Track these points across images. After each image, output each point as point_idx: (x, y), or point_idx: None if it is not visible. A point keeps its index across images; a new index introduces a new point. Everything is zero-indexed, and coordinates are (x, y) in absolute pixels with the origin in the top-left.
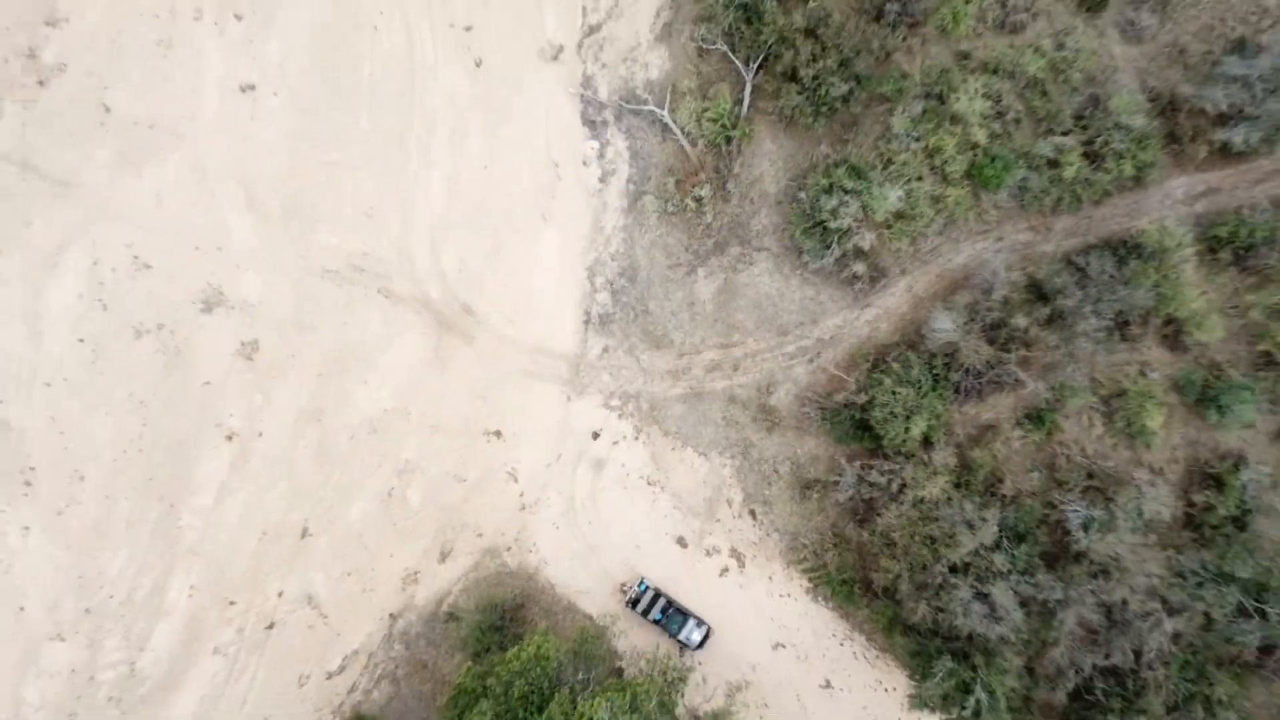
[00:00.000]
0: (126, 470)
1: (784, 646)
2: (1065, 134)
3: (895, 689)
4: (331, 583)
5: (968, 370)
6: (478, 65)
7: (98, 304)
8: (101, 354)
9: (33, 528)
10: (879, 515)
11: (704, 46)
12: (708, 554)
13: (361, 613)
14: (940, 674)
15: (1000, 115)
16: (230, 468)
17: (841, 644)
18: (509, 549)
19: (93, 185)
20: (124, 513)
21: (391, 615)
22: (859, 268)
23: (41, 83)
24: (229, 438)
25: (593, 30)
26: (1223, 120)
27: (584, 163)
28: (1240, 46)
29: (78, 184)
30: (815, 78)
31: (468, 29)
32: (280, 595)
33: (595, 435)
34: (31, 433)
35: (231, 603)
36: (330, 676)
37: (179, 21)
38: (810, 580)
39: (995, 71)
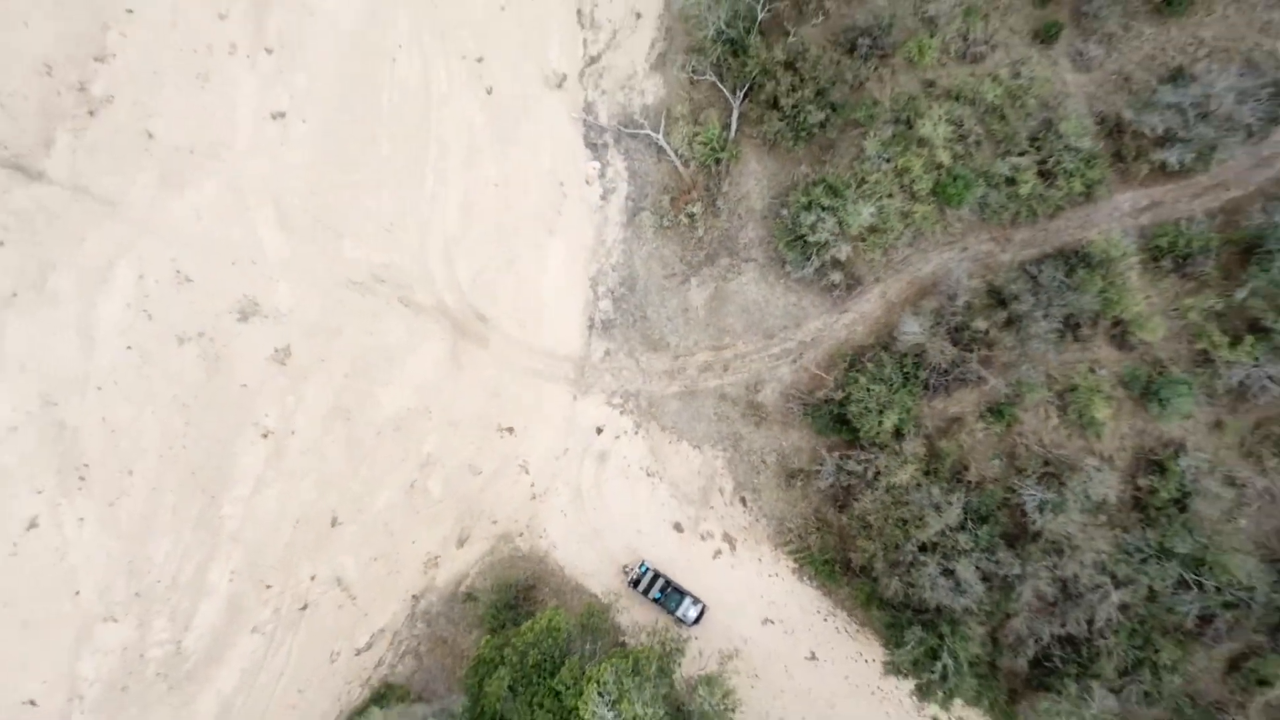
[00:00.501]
0: (172, 465)
1: (772, 622)
2: (1021, 154)
3: (874, 660)
4: (359, 566)
5: (935, 369)
6: (488, 93)
7: (144, 314)
8: (148, 360)
9: (87, 519)
10: (856, 500)
11: (694, 76)
12: (702, 538)
13: (387, 594)
14: (911, 642)
15: (962, 138)
16: (266, 462)
17: (825, 619)
18: (521, 535)
19: (138, 205)
20: (170, 504)
21: (414, 596)
22: (836, 276)
23: (91, 113)
24: (265, 435)
25: (593, 60)
26: (1161, 142)
27: (586, 182)
28: (1176, 76)
29: (125, 204)
30: (795, 105)
31: (479, 60)
32: (313, 578)
33: (599, 430)
34: (85, 432)
35: (268, 585)
36: (359, 652)
37: (215, 56)
38: (796, 561)
39: (958, 98)
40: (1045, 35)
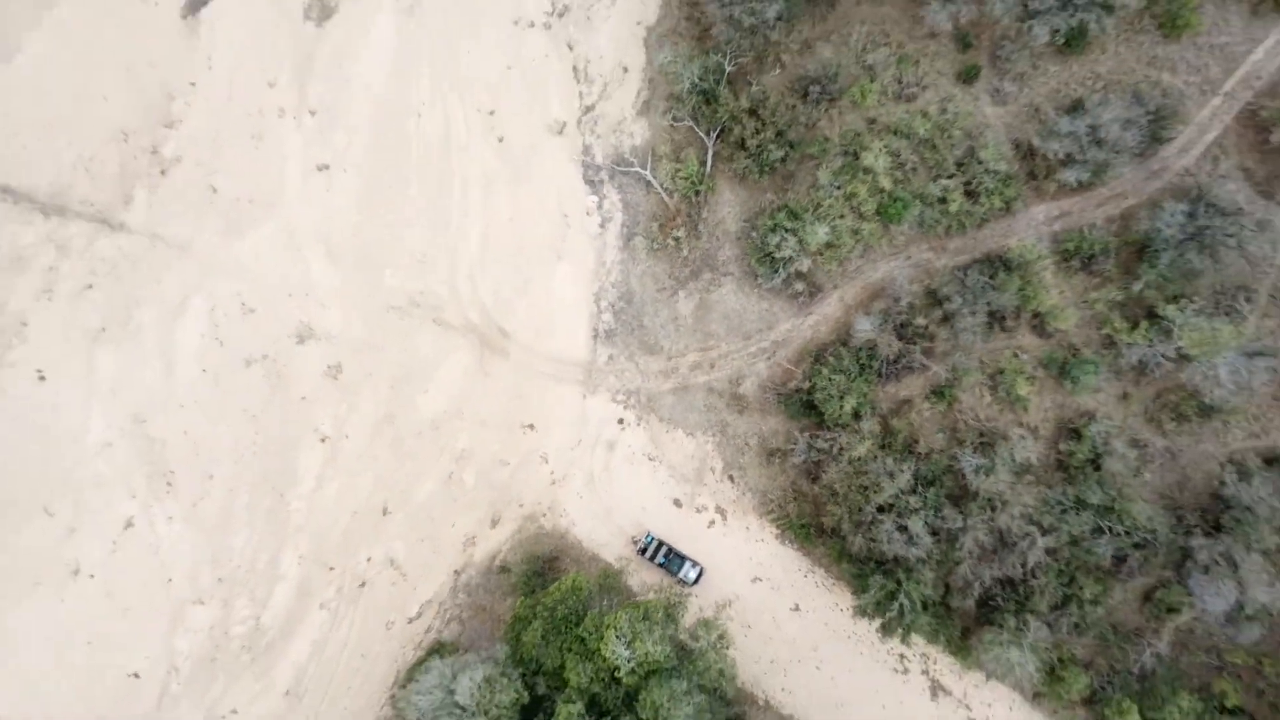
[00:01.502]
0: (245, 468)
1: (761, 580)
2: (950, 178)
3: (847, 609)
4: (408, 548)
5: (885, 359)
6: (500, 141)
7: (215, 341)
8: (220, 380)
9: (175, 517)
10: (825, 472)
11: (674, 121)
12: (698, 511)
13: (433, 570)
14: (874, 588)
15: (900, 166)
16: (324, 463)
17: (805, 575)
18: (544, 515)
19: (206, 249)
20: (244, 501)
21: (456, 571)
22: (800, 286)
23: (163, 172)
24: (322, 440)
25: (588, 109)
26: (1064, 163)
27: (587, 213)
28: (1075, 107)
29: (195, 248)
30: (759, 145)
31: (491, 113)
32: (369, 560)
33: (620, 421)
34: (170, 443)
35: (331, 568)
36: (411, 621)
37: (267, 118)
38: (778, 527)
39: (895, 133)
40: (967, 76)
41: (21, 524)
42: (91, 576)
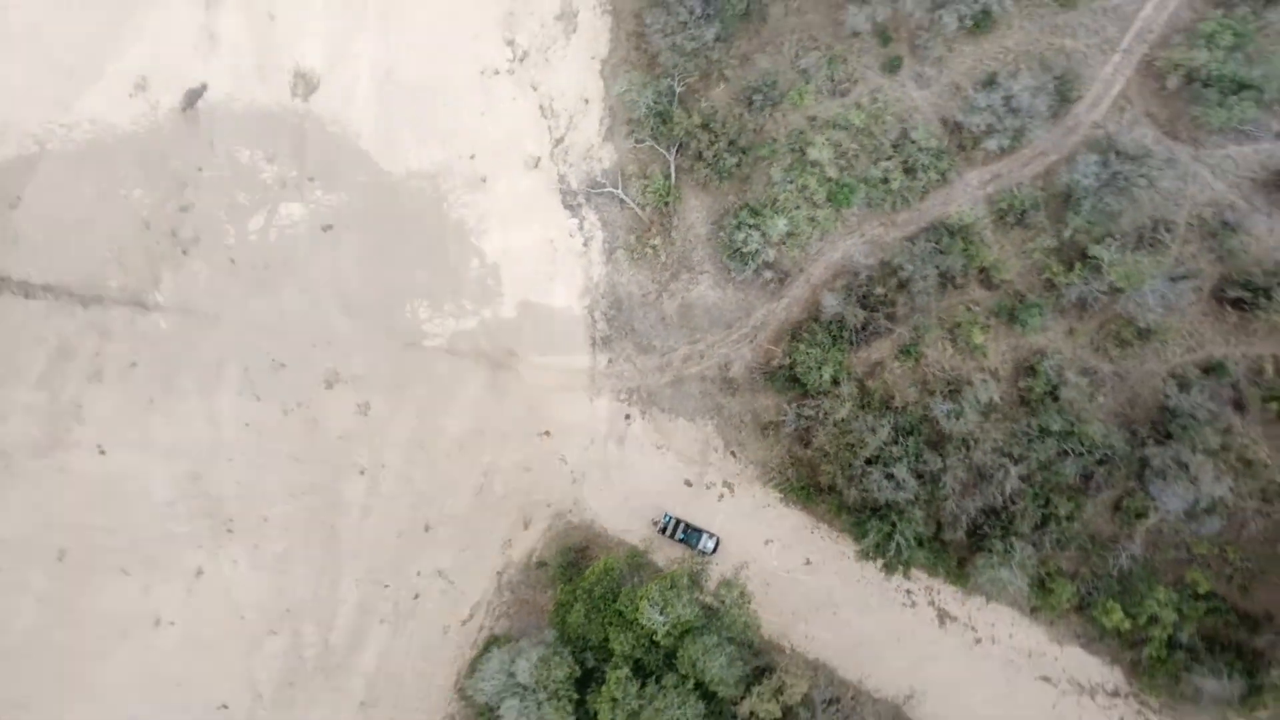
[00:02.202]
0: (296, 507)
1: (772, 541)
2: (888, 159)
3: (852, 555)
4: (453, 558)
5: (854, 329)
6: (483, 181)
7: (253, 397)
8: (262, 431)
9: (239, 560)
10: (814, 437)
11: (637, 142)
12: (707, 487)
13: (477, 574)
14: (871, 532)
15: (843, 155)
16: (367, 492)
17: (811, 532)
18: (570, 510)
19: (234, 315)
20: (300, 537)
21: (498, 572)
22: (769, 274)
23: (184, 252)
24: (361, 472)
25: (559, 142)
26: (986, 133)
27: (570, 235)
28: (990, 81)
29: (223, 316)
30: (714, 155)
31: (472, 157)
32: (419, 574)
33: (627, 417)
34: (226, 495)
35: (386, 585)
36: (464, 623)
37: (270, 190)
38: (780, 491)
39: (834, 126)
40: (891, 67)
41: (103, 587)
42: (172, 623)
